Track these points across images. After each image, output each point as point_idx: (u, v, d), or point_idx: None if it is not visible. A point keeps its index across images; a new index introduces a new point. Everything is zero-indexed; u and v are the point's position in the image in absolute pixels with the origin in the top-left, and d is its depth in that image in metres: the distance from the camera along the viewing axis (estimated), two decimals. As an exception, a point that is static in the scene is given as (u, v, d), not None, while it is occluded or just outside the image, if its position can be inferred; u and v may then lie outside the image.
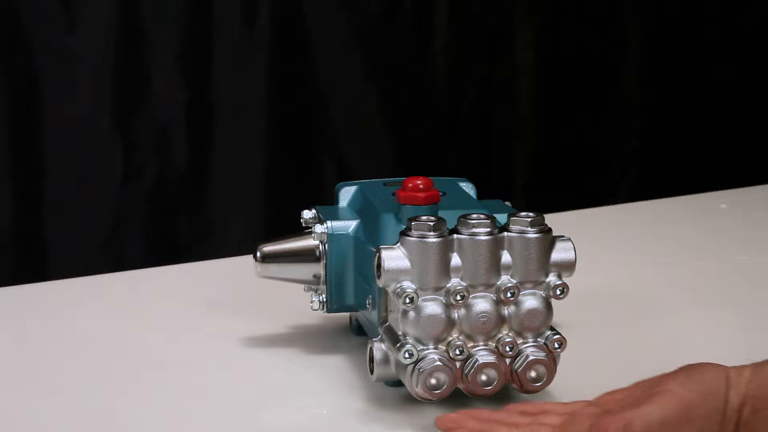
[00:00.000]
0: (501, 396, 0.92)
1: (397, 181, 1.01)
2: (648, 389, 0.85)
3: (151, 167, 1.98)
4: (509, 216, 0.92)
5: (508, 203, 1.06)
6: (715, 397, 0.83)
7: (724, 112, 2.31)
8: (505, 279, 0.91)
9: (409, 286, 0.90)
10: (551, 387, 0.93)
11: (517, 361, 0.91)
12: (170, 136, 1.99)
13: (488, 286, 0.91)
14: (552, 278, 0.92)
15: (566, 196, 2.22)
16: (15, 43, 1.88)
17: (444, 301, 0.90)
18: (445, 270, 0.90)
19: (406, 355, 0.89)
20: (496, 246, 0.91)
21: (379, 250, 0.91)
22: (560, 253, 0.93)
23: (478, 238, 0.91)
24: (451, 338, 0.91)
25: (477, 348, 0.91)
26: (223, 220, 2.05)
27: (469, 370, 0.90)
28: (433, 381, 0.90)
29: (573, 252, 0.93)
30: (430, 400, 0.90)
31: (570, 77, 2.24)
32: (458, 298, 0.90)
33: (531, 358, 0.91)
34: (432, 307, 0.90)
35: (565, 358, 0.93)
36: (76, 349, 1.08)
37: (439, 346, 0.90)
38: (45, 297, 1.25)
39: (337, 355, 1.05)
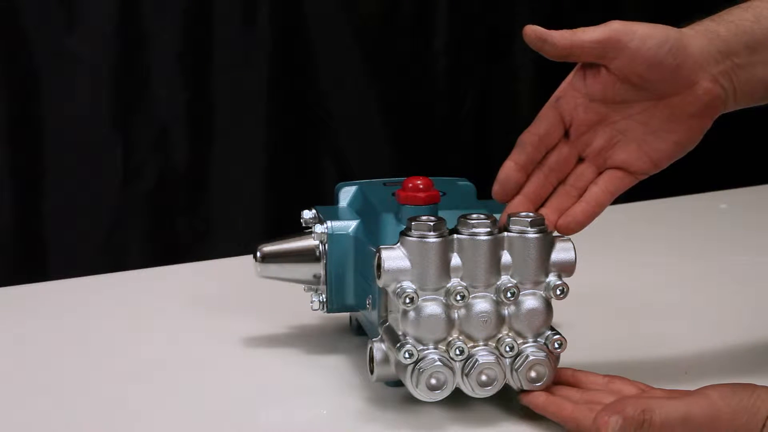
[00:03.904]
0: (502, 396, 0.93)
1: (397, 181, 1.01)
2: (693, 391, 0.86)
3: (151, 167, 1.98)
4: (509, 216, 0.92)
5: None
6: (752, 416, 0.83)
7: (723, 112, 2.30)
8: (505, 279, 0.91)
9: (409, 286, 0.90)
10: (551, 387, 0.93)
11: (517, 362, 0.91)
12: (170, 136, 1.99)
13: (488, 286, 0.91)
14: (552, 278, 0.92)
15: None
16: (15, 43, 1.88)
17: (444, 301, 0.90)
18: (445, 270, 0.90)
19: (406, 355, 0.89)
20: (496, 246, 0.91)
21: (379, 250, 0.91)
22: (560, 253, 0.93)
23: (478, 238, 0.91)
24: (451, 338, 0.91)
25: (477, 348, 0.91)
26: (223, 220, 2.05)
27: (469, 371, 0.90)
28: (433, 381, 0.90)
29: (573, 252, 0.93)
30: (430, 400, 0.90)
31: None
32: (458, 298, 0.90)
33: (531, 358, 0.91)
34: (432, 307, 0.90)
35: (565, 358, 0.93)
36: (75, 349, 1.08)
37: (439, 346, 0.90)
38: (45, 297, 1.25)
39: (337, 355, 1.05)
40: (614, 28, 0.93)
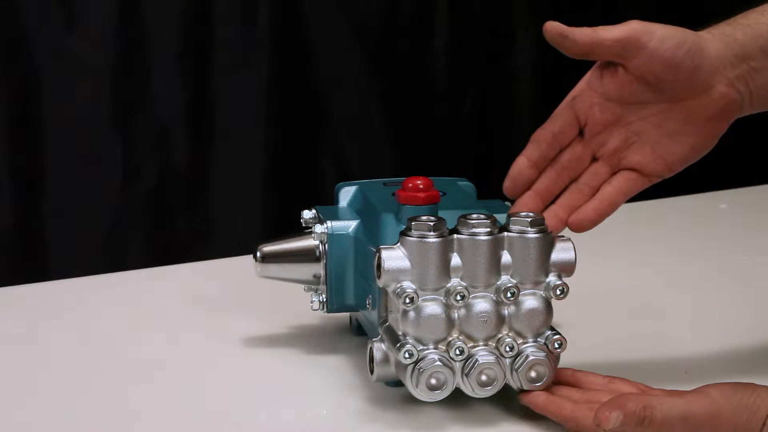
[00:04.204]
0: (502, 396, 0.93)
1: (397, 181, 1.01)
2: (694, 389, 0.86)
3: (151, 167, 1.98)
4: (509, 216, 0.92)
5: (508, 203, 1.05)
6: (752, 415, 0.83)
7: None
8: (505, 279, 0.91)
9: (409, 286, 0.90)
10: (551, 387, 0.93)
11: (517, 362, 0.91)
12: (170, 136, 1.99)
13: (488, 286, 0.91)
14: (552, 278, 0.92)
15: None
16: (15, 43, 1.88)
17: (444, 301, 0.90)
18: (445, 270, 0.90)
19: (406, 355, 0.89)
20: (496, 246, 0.91)
21: (379, 250, 0.91)
22: (560, 253, 0.93)
23: (478, 238, 0.91)
24: (451, 338, 0.91)
25: (477, 348, 0.91)
26: (223, 220, 2.05)
27: (469, 371, 0.90)
28: (433, 381, 0.89)
29: (573, 252, 0.93)
30: (430, 400, 0.90)
31: (570, 77, 2.24)
32: (458, 298, 0.90)
33: (531, 358, 0.91)
34: (432, 307, 0.90)
35: (565, 358, 0.93)
36: (75, 349, 1.08)
37: (439, 346, 0.90)
38: (45, 297, 1.25)
39: (337, 355, 1.05)
40: (634, 27, 0.93)
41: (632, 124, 0.95)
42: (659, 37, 0.93)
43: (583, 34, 0.94)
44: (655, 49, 0.92)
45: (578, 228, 0.95)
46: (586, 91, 0.96)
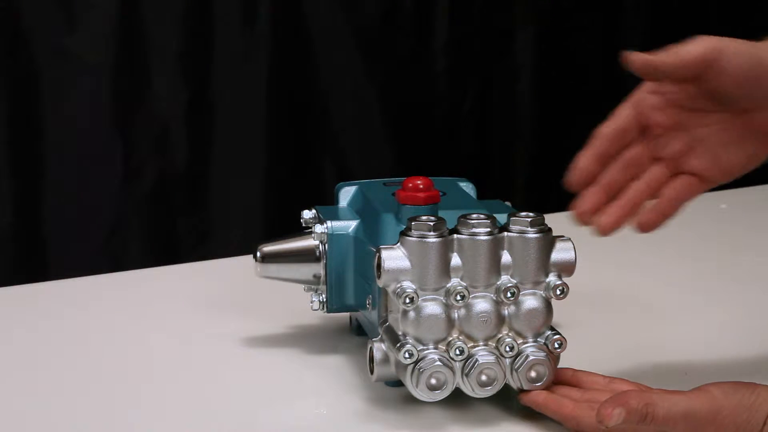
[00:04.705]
0: (502, 396, 0.93)
1: (397, 181, 1.01)
2: (695, 388, 0.86)
3: (151, 167, 1.98)
4: (509, 216, 0.92)
5: (508, 203, 1.06)
6: (753, 414, 0.83)
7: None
8: (505, 279, 0.91)
9: (409, 286, 0.90)
10: (551, 387, 0.93)
11: (517, 362, 0.91)
12: (170, 136, 1.99)
13: (488, 286, 0.91)
14: (552, 278, 0.92)
15: (566, 196, 2.21)
16: (15, 43, 1.88)
17: (444, 301, 0.90)
18: (445, 270, 0.90)
19: (406, 355, 0.89)
20: (496, 246, 0.91)
21: (379, 250, 0.91)
22: (560, 253, 0.93)
23: (478, 238, 0.91)
24: (451, 338, 0.91)
25: (477, 348, 0.91)
26: (223, 220, 2.05)
27: (469, 371, 0.90)
28: (433, 381, 0.90)
29: (573, 252, 0.93)
30: (430, 400, 0.90)
31: (570, 77, 2.24)
32: (458, 298, 0.90)
33: (531, 358, 0.91)
34: (432, 307, 0.90)
35: (564, 359, 0.93)
36: (75, 349, 1.08)
37: (439, 346, 0.90)
38: (45, 297, 1.25)
39: (337, 355, 1.05)
40: (707, 44, 0.91)
41: (694, 129, 0.95)
42: (731, 53, 0.91)
43: (668, 59, 0.92)
44: (727, 65, 0.91)
45: (646, 228, 0.94)
46: (648, 94, 0.95)
